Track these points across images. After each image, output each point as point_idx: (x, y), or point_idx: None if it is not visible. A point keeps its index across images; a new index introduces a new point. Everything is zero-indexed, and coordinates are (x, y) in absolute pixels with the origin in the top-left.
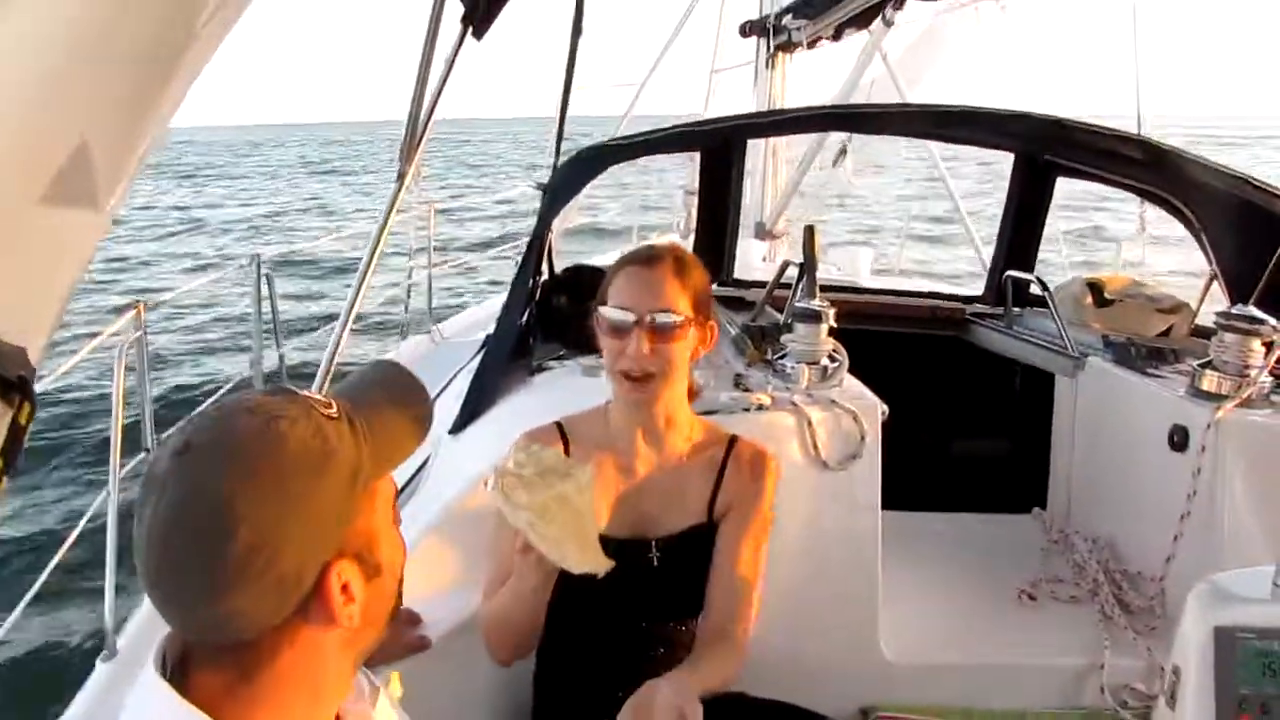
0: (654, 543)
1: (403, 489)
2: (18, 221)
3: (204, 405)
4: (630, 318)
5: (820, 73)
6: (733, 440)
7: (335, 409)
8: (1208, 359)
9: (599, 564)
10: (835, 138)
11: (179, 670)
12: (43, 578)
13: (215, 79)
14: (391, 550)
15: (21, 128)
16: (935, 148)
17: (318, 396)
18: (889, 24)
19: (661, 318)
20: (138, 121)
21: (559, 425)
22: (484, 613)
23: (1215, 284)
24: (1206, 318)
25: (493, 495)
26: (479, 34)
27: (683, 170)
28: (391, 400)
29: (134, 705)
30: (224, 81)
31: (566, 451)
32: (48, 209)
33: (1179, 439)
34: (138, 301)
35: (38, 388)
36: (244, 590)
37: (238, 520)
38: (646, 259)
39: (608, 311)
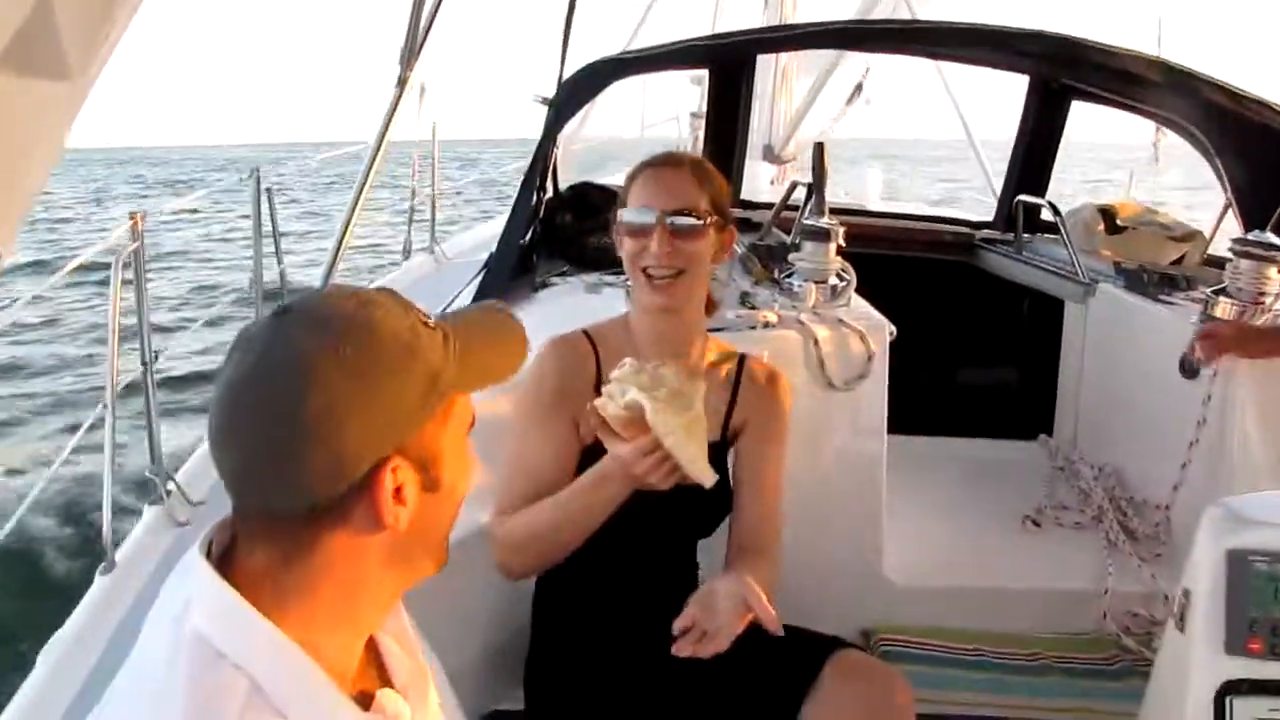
0: None
1: None
2: None
3: (197, 333)
4: (651, 217)
5: None
6: (743, 358)
7: (434, 321)
8: (1221, 285)
9: (712, 474)
10: (849, 74)
11: (224, 557)
12: (37, 488)
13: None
14: (454, 472)
15: None
16: (948, 72)
17: (420, 307)
18: None
19: (682, 218)
20: None
21: (586, 333)
22: (516, 524)
23: (1230, 213)
24: (1221, 246)
25: (615, 410)
26: None
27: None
28: (488, 332)
29: (170, 588)
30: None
31: (597, 359)
32: (13, 77)
33: (1189, 367)
34: (135, 212)
35: (37, 292)
36: (303, 456)
37: (312, 383)
38: (666, 160)
39: (628, 213)
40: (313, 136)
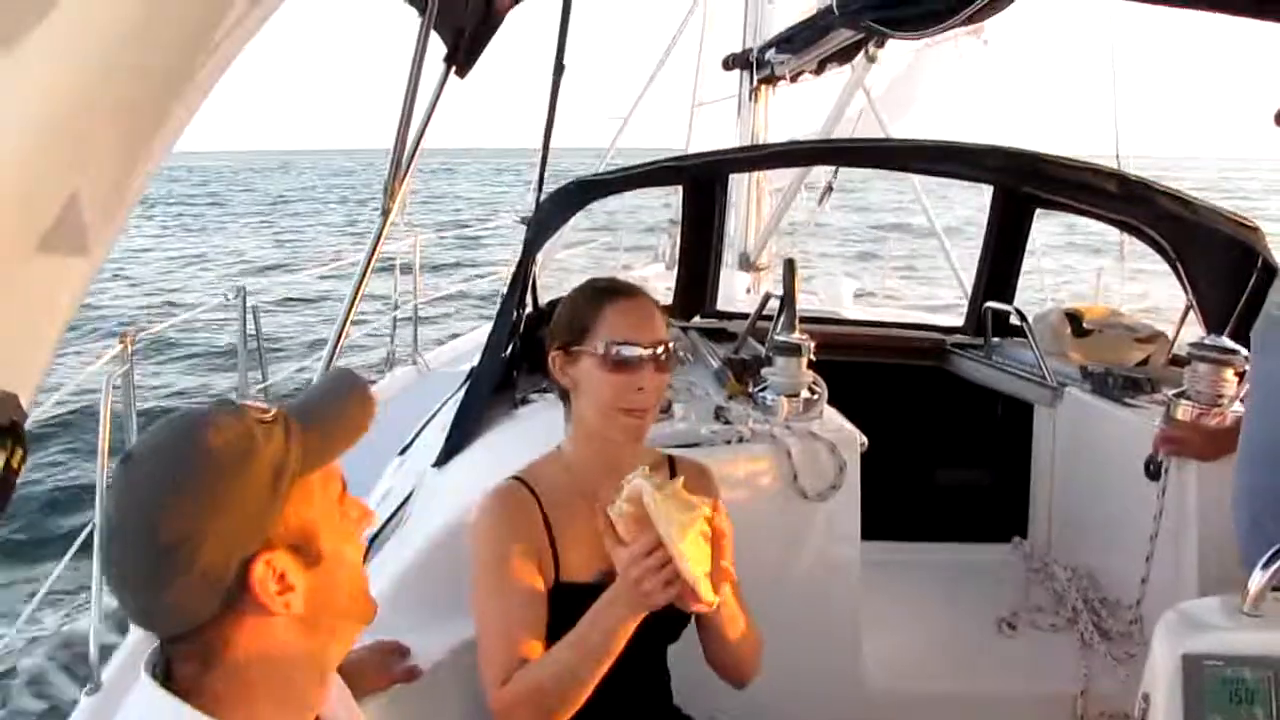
0: None
1: (388, 521)
2: (10, 269)
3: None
4: (642, 351)
5: (803, 104)
6: (671, 459)
7: (271, 413)
8: (1182, 389)
9: (712, 593)
10: (821, 174)
11: (166, 668)
12: (29, 609)
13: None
14: (335, 540)
15: (17, 175)
16: (918, 182)
17: (257, 404)
18: (871, 60)
19: (663, 349)
20: (130, 170)
21: (519, 479)
22: (524, 683)
23: (1192, 314)
24: (1184, 347)
25: (619, 508)
26: (462, 73)
27: (670, 201)
28: (333, 401)
29: (126, 709)
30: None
31: (539, 502)
32: (40, 257)
33: (1154, 468)
34: (125, 333)
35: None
36: (174, 584)
37: (160, 519)
38: (629, 291)
39: (611, 347)
40: (305, 145)
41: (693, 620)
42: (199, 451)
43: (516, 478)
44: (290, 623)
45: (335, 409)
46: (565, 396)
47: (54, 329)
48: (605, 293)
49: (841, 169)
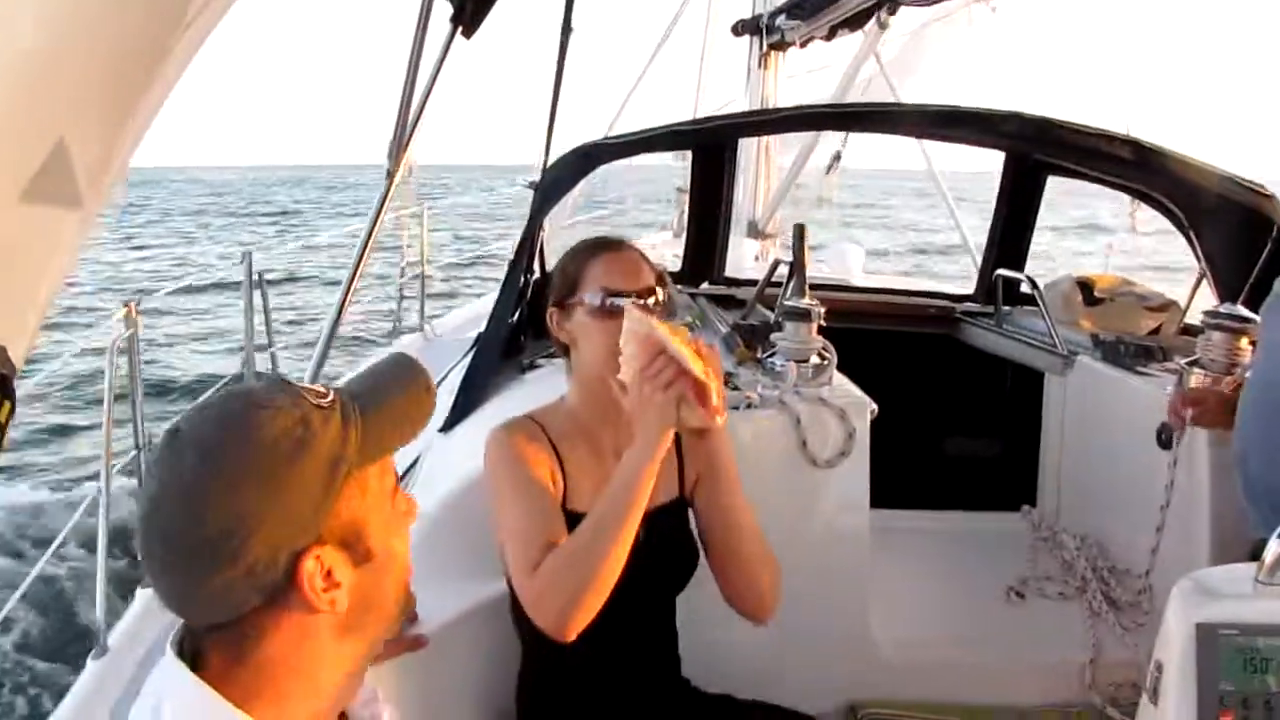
0: None
1: (396, 484)
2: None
3: (205, 397)
4: (627, 301)
5: (812, 69)
6: None
7: (330, 397)
8: (1195, 357)
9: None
10: (829, 144)
11: (195, 649)
12: (33, 574)
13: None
14: (386, 537)
15: (3, 127)
16: (929, 148)
17: (314, 387)
18: (883, 26)
19: (651, 297)
20: (121, 118)
21: (531, 418)
22: (554, 562)
23: (1204, 282)
24: (1196, 316)
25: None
26: (468, 33)
27: (678, 168)
28: (394, 390)
29: (151, 681)
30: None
31: (548, 436)
32: (29, 207)
33: (1166, 437)
34: (129, 300)
35: (33, 385)
36: (216, 575)
37: (209, 506)
38: (616, 244)
39: (600, 297)
40: (314, 160)
41: (704, 562)
42: (253, 438)
43: (528, 416)
44: (329, 621)
45: (395, 399)
46: (565, 351)
47: (47, 282)
48: (593, 247)
49: (851, 137)
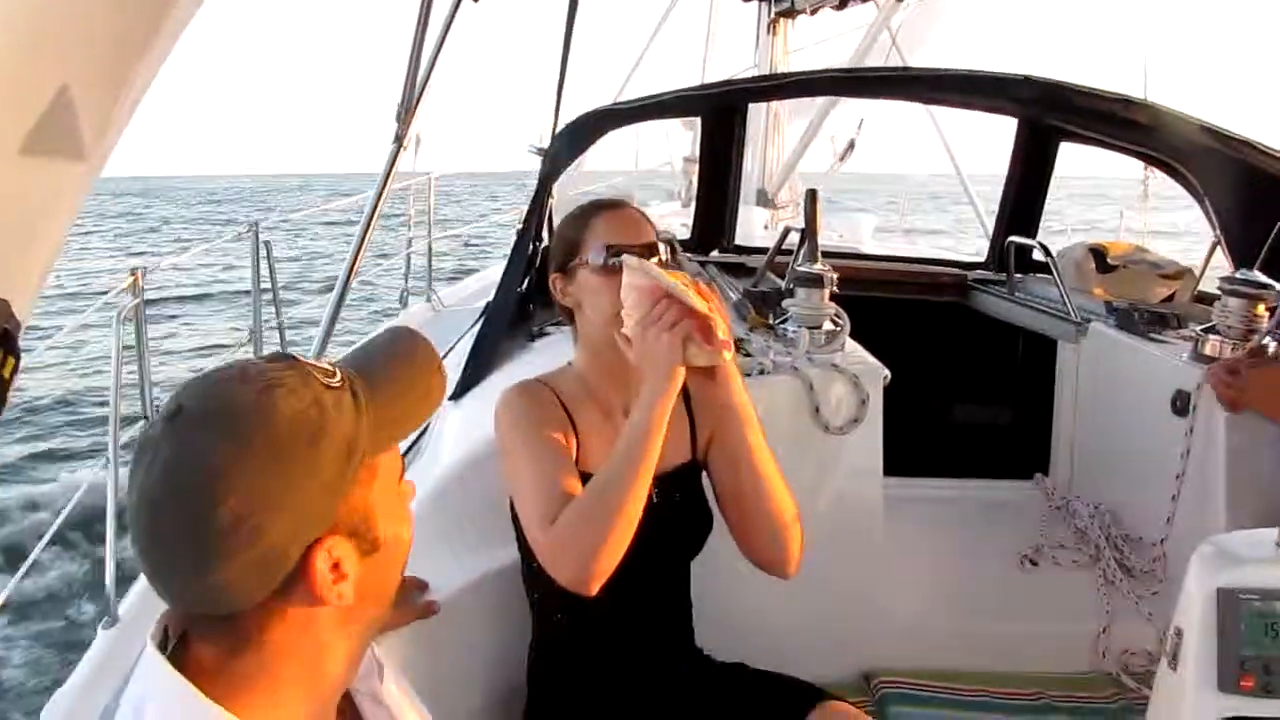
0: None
1: (404, 454)
2: (1, 174)
3: (204, 371)
4: (626, 255)
5: (823, 39)
6: (685, 384)
7: (338, 377)
8: (1211, 324)
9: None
10: (842, 126)
11: (179, 643)
12: (42, 544)
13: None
14: (393, 525)
15: (2, 74)
16: (939, 116)
17: (320, 364)
18: None
19: (652, 253)
20: (124, 69)
21: (541, 381)
22: (571, 513)
23: (1219, 249)
24: (1210, 283)
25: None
26: None
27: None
28: (400, 369)
29: (134, 679)
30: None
31: (559, 398)
32: (31, 159)
33: (1181, 404)
34: (136, 268)
35: (41, 350)
36: (229, 563)
37: (224, 491)
38: (614, 204)
39: (600, 255)
40: (313, 169)
41: (716, 531)
42: (269, 419)
43: (538, 379)
44: (332, 613)
45: (404, 379)
46: (570, 316)
47: (50, 236)
48: (591, 207)
49: (864, 127)
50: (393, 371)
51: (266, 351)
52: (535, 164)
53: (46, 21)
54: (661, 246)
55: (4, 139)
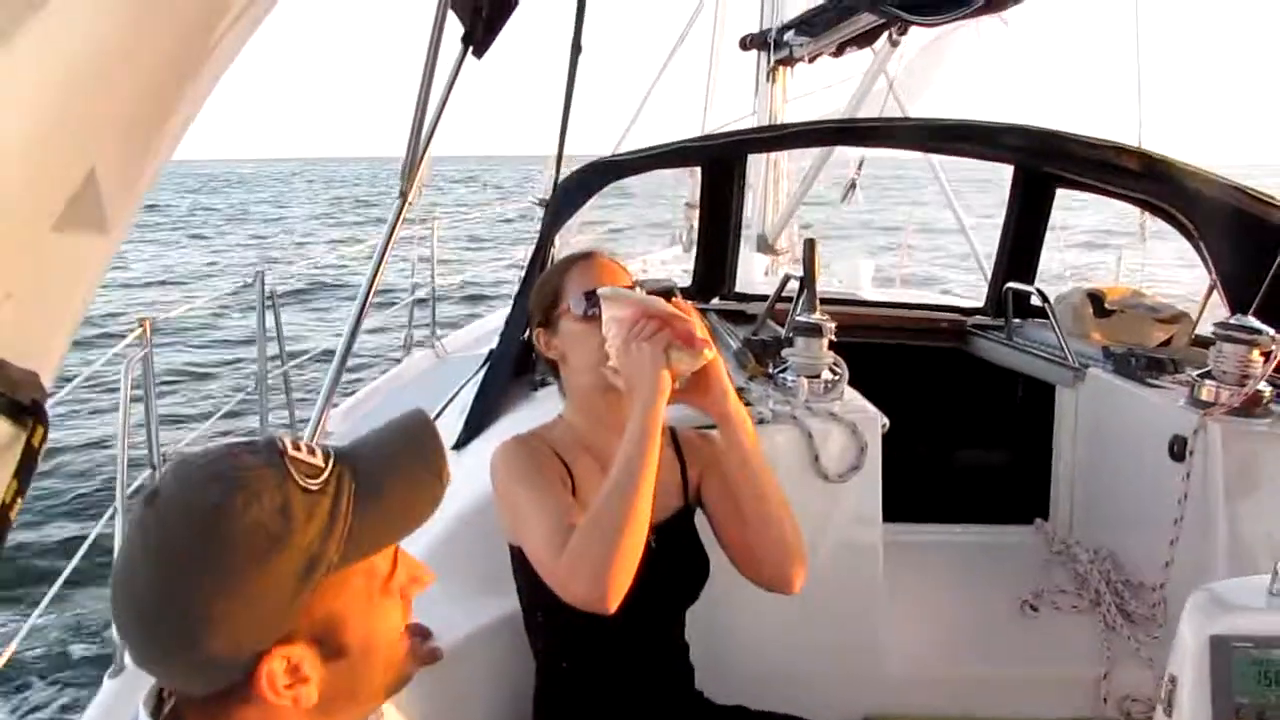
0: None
1: None
2: (30, 247)
3: (202, 434)
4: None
5: (827, 85)
6: (671, 429)
7: (324, 476)
8: (1207, 369)
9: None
10: (845, 172)
11: (173, 708)
12: (51, 593)
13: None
14: (369, 628)
15: (33, 153)
16: (937, 163)
17: (311, 459)
18: (895, 44)
19: None
20: (146, 146)
21: (535, 434)
22: (579, 533)
23: (1215, 293)
24: (1207, 327)
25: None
26: (479, 53)
27: (685, 184)
28: (400, 468)
29: None
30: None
31: (553, 449)
32: (59, 234)
33: (1179, 449)
34: (144, 318)
35: (51, 403)
36: (175, 658)
37: (176, 591)
38: (587, 254)
39: (580, 303)
40: (323, 153)
41: (715, 574)
42: (226, 524)
43: (532, 432)
44: (297, 712)
45: (400, 484)
46: (555, 371)
47: (75, 307)
48: (567, 260)
49: (866, 166)
50: (393, 471)
51: (270, 400)
52: (529, 149)
53: (75, 103)
54: (639, 290)
55: (36, 218)
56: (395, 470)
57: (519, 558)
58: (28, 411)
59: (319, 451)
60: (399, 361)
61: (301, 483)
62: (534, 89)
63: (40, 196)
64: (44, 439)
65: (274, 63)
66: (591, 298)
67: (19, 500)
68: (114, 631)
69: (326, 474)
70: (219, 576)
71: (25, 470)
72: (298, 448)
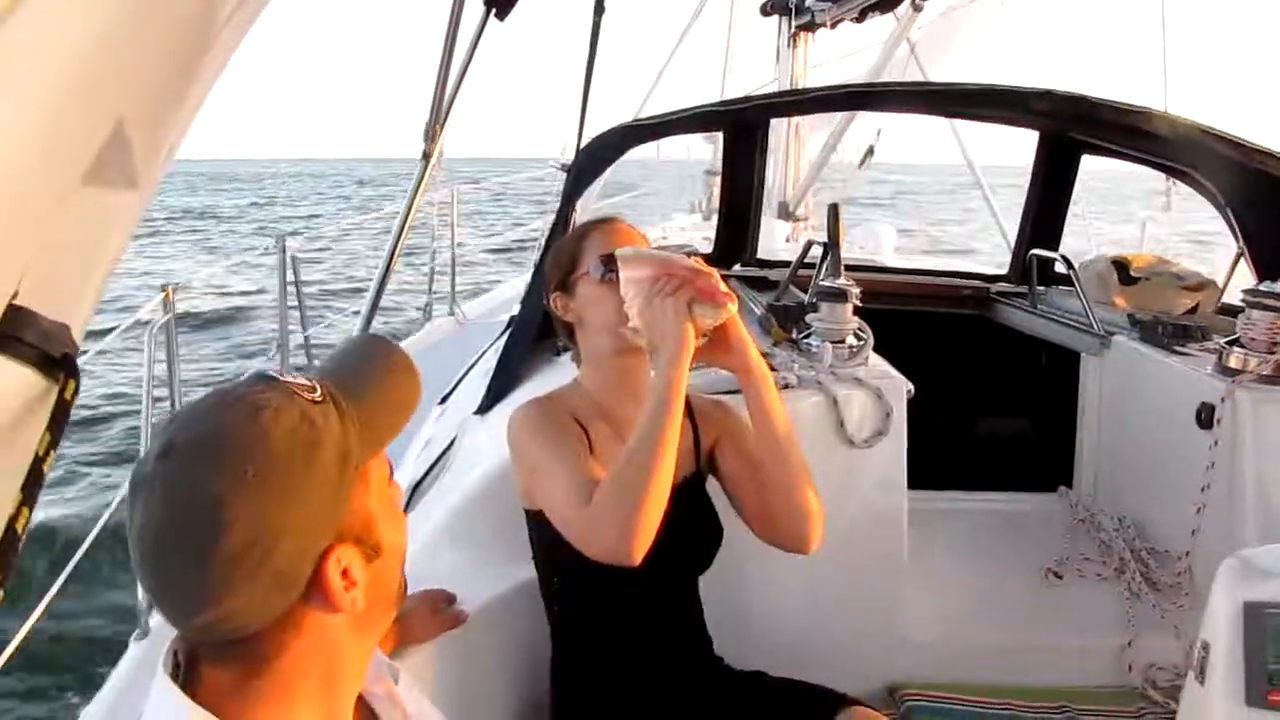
0: None
1: (430, 468)
2: (61, 201)
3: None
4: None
5: (844, 55)
6: (685, 397)
7: (319, 392)
8: (1235, 336)
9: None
10: (863, 134)
11: (190, 667)
12: (76, 557)
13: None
14: (391, 528)
15: (64, 108)
16: (960, 129)
17: (299, 380)
18: (918, 9)
19: None
20: (174, 101)
21: (552, 398)
22: (604, 486)
23: (1242, 261)
24: (1233, 295)
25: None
26: (501, 15)
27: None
28: (376, 375)
29: (148, 708)
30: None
31: (570, 411)
32: (89, 189)
33: (1206, 417)
34: (167, 285)
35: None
36: (240, 590)
37: (228, 520)
38: (607, 220)
39: (599, 267)
40: (338, 153)
41: (729, 543)
42: (263, 441)
43: (548, 395)
44: (346, 619)
45: (379, 385)
46: (571, 334)
47: (104, 261)
48: (585, 226)
49: (884, 131)
50: (369, 378)
51: (292, 366)
52: (551, 148)
53: (105, 56)
54: None
55: (68, 171)
56: (368, 375)
57: (536, 523)
58: (59, 365)
59: (300, 375)
60: (419, 328)
61: (306, 395)
62: (535, 91)
63: (69, 149)
64: (75, 392)
65: (319, 62)
66: (610, 261)
67: (52, 453)
68: (139, 595)
69: (319, 389)
70: (274, 487)
71: (57, 423)
72: (281, 375)
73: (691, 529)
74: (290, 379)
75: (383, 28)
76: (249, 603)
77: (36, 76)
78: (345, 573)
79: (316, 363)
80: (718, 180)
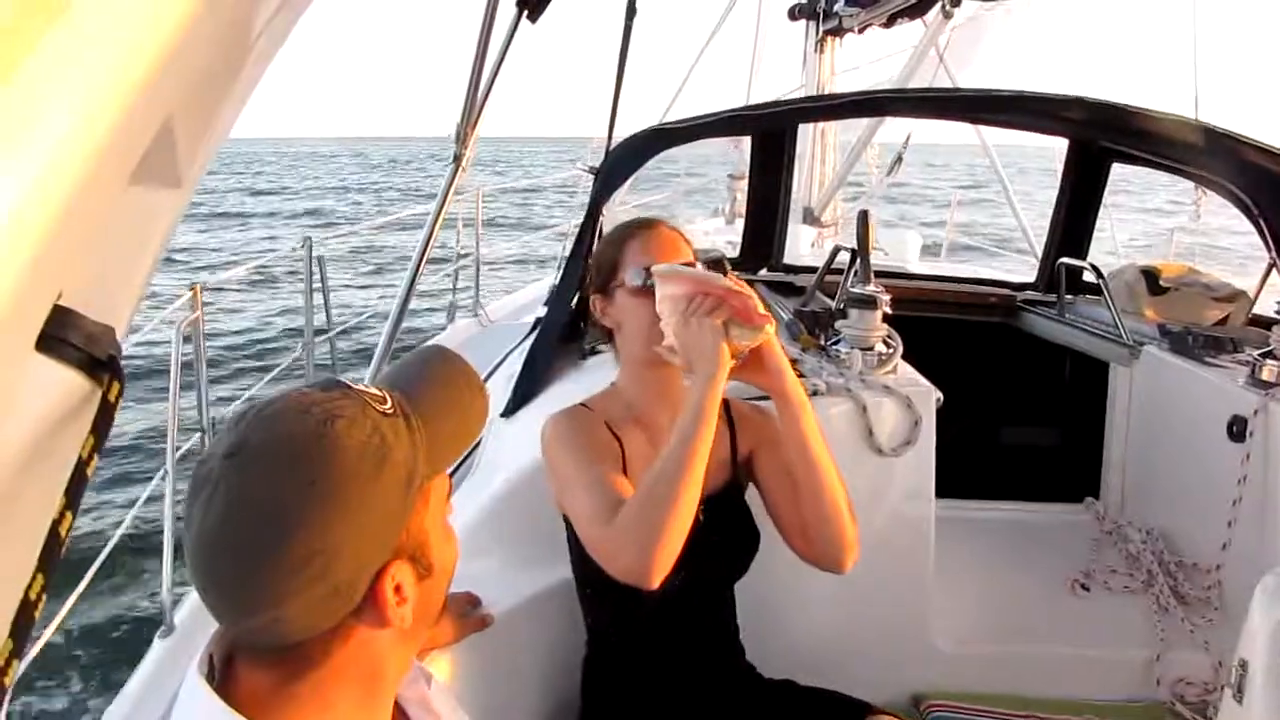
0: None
1: (455, 470)
2: (107, 201)
3: (254, 397)
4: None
5: (874, 60)
6: (726, 401)
7: (390, 404)
8: (1269, 348)
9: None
10: (891, 142)
11: (225, 669)
12: (102, 556)
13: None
14: (444, 548)
15: (113, 108)
16: (987, 136)
17: (371, 390)
18: (948, 15)
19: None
20: (217, 101)
21: (585, 405)
22: (629, 507)
23: (1275, 272)
24: (1265, 307)
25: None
26: (533, 17)
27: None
28: (443, 392)
29: (177, 708)
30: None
31: (606, 424)
32: (135, 188)
33: (1238, 429)
34: (195, 284)
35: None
36: (296, 598)
37: (292, 528)
38: (649, 222)
39: (637, 276)
40: (372, 132)
41: (764, 550)
42: (335, 452)
43: (581, 404)
44: (391, 634)
45: (447, 402)
46: (610, 337)
47: (147, 262)
48: (627, 228)
49: (913, 138)
50: (435, 395)
51: (317, 366)
52: (579, 130)
53: (158, 52)
54: (699, 266)
55: (115, 170)
56: (438, 392)
57: (572, 529)
58: (104, 366)
59: (372, 385)
60: (443, 329)
61: (378, 407)
62: (561, 71)
63: (117, 147)
64: (120, 394)
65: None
66: (647, 273)
67: (95, 456)
68: (164, 592)
69: (390, 401)
70: (341, 500)
71: (102, 426)
72: (356, 384)
73: (727, 536)
74: (364, 388)
75: (395, 10)
76: (303, 611)
77: (90, 73)
78: (398, 589)
79: (362, 372)
80: (741, 184)
